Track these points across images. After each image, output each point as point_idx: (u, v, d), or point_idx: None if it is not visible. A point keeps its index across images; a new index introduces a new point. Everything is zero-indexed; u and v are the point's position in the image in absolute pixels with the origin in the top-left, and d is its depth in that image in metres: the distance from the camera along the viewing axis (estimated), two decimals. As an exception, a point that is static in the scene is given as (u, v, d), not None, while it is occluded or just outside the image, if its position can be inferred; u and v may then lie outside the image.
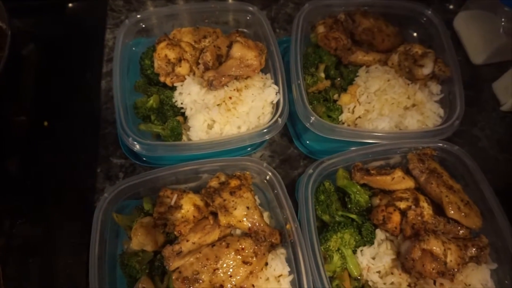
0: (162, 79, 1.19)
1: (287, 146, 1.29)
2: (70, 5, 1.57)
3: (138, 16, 1.24)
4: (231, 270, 0.90)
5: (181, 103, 1.17)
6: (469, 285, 0.94)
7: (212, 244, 0.95)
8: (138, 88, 1.22)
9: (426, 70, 1.16)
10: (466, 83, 1.28)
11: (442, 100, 1.20)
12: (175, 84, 1.19)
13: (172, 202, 1.00)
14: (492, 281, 0.96)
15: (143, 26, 1.30)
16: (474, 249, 0.96)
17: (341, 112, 1.19)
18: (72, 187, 1.21)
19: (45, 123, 1.32)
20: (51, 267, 1.10)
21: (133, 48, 1.30)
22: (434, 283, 0.93)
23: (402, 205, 0.98)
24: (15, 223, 1.15)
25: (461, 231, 0.99)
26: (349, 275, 0.97)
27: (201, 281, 0.89)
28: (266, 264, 0.95)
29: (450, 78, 1.20)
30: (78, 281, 1.06)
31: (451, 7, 1.56)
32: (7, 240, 1.14)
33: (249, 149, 1.26)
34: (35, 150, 1.26)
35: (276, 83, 1.17)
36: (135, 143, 1.05)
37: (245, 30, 1.32)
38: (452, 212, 0.97)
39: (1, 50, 1.18)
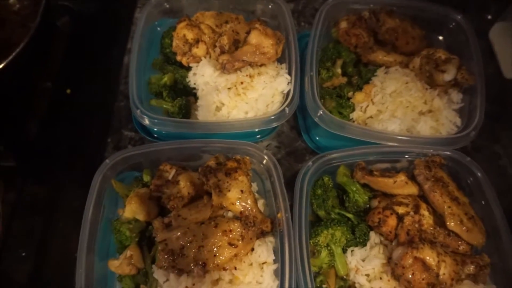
0: (178, 58, 1.21)
1: (295, 139, 1.28)
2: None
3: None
4: (215, 249, 0.90)
5: (194, 84, 1.19)
6: (462, 303, 0.88)
7: (201, 222, 0.95)
8: (156, 65, 1.26)
9: (448, 76, 1.11)
10: (494, 97, 1.22)
11: (461, 109, 1.14)
12: (190, 65, 1.21)
13: (170, 177, 1.02)
14: (488, 304, 0.91)
15: (169, 7, 1.33)
16: (472, 267, 0.91)
17: (353, 110, 1.17)
18: (82, 154, 1.26)
19: (68, 91, 1.38)
20: (52, 227, 1.15)
21: (158, 28, 1.34)
22: (423, 295, 0.88)
23: (401, 210, 0.95)
24: (26, 181, 1.21)
25: (461, 246, 0.94)
26: (336, 274, 0.95)
27: (185, 256, 0.90)
28: (253, 249, 0.95)
29: (473, 88, 1.14)
30: (74, 241, 1.10)
31: (489, 17, 1.48)
32: (16, 197, 1.20)
33: (258, 136, 1.25)
34: (54, 116, 1.32)
35: (290, 73, 1.16)
36: (144, 116, 1.08)
37: (267, 19, 1.31)
38: (453, 224, 0.92)
39: (37, 16, 1.25)
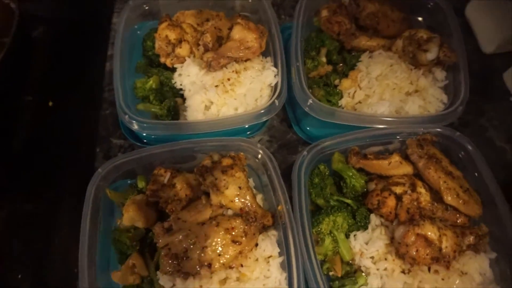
0: (162, 60, 1.19)
1: (286, 132, 1.28)
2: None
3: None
4: (220, 249, 0.90)
5: (180, 84, 1.17)
6: (466, 273, 0.90)
7: (202, 223, 0.94)
8: (139, 69, 1.23)
9: (431, 55, 1.13)
10: (476, 72, 1.24)
11: (446, 87, 1.16)
12: (175, 66, 1.19)
13: (166, 180, 1.01)
14: (491, 271, 0.93)
15: (148, 9, 1.31)
16: (472, 237, 0.93)
17: (341, 97, 1.17)
18: (72, 166, 1.23)
19: (50, 103, 1.34)
20: (48, 242, 1.12)
21: (138, 32, 1.32)
22: (429, 270, 0.90)
23: (398, 190, 0.96)
24: (15, 199, 1.18)
25: (459, 219, 0.96)
26: (341, 260, 0.95)
27: (189, 259, 0.89)
28: (257, 245, 0.94)
29: (456, 65, 1.16)
30: (72, 256, 1.07)
31: (464, -5, 1.51)
32: (7, 215, 1.16)
33: (248, 132, 1.24)
34: (38, 130, 1.28)
35: (276, 66, 1.16)
36: (132, 121, 1.06)
37: (248, 14, 1.31)
38: (450, 198, 0.94)
39: (10, 29, 1.21)
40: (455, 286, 0.88)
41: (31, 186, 1.19)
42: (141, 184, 1.05)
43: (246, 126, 1.20)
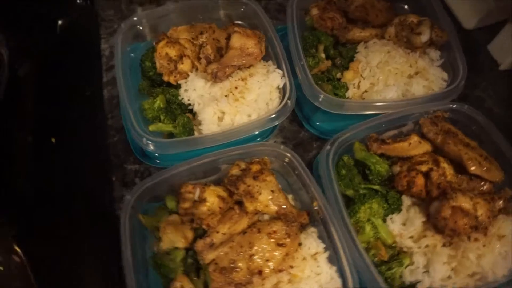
0: (165, 78, 1.18)
1: (298, 131, 1.29)
2: (60, 22, 1.55)
3: (135, 18, 1.24)
4: (267, 254, 0.89)
5: (188, 100, 1.16)
6: (503, 236, 0.94)
7: (243, 232, 0.94)
8: (143, 91, 1.22)
9: (424, 37, 1.18)
10: (462, 48, 1.31)
11: (443, 65, 1.22)
12: (179, 82, 1.18)
13: (196, 197, 0.99)
14: (523, 230, 0.97)
15: (140, 29, 1.29)
16: (501, 201, 0.98)
17: (347, 89, 1.20)
18: (90, 201, 1.19)
19: (53, 140, 1.30)
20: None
21: (131, 54, 1.30)
22: (469, 239, 0.93)
23: (424, 168, 0.99)
24: (30, 244, 1.12)
25: (484, 186, 1.01)
26: (383, 244, 0.97)
27: (238, 269, 0.88)
28: (300, 244, 0.95)
29: (448, 43, 1.22)
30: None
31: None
32: (22, 261, 1.11)
33: (258, 139, 1.25)
34: (46, 168, 1.23)
35: (280, 68, 1.17)
36: (149, 142, 1.04)
37: (240, 22, 1.32)
38: (474, 168, 0.99)
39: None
40: (497, 250, 0.92)
41: (49, 230, 1.14)
42: (171, 204, 1.02)
43: (257, 133, 1.20)
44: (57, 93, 1.35)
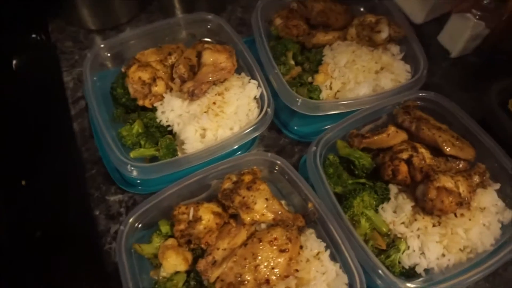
0: (140, 102, 1.16)
1: (278, 138, 1.32)
2: (14, 62, 1.49)
3: (102, 46, 1.21)
4: (271, 262, 0.90)
5: (167, 121, 1.15)
6: (484, 208, 1.01)
7: (244, 244, 0.94)
8: (118, 118, 1.19)
9: (384, 34, 1.25)
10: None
11: (404, 58, 1.30)
12: (154, 105, 1.17)
13: (190, 217, 0.98)
14: (500, 200, 1.05)
15: (103, 58, 1.26)
16: (476, 177, 1.05)
17: (320, 91, 1.24)
18: (74, 240, 1.13)
19: (23, 182, 1.23)
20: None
21: (98, 84, 1.26)
22: (455, 216, 0.99)
23: (404, 155, 1.04)
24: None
25: (460, 165, 1.08)
26: (379, 234, 1.00)
27: (246, 282, 0.88)
28: (301, 247, 0.96)
29: (405, 37, 1.30)
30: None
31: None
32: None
33: (239, 152, 1.25)
34: (20, 214, 1.17)
35: (254, 78, 1.20)
36: (133, 168, 1.02)
37: (207, 39, 1.33)
38: (449, 149, 1.05)
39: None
40: (481, 221, 0.98)
41: (36, 280, 1.07)
42: (165, 229, 1.00)
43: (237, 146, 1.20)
44: (20, 133, 1.29)
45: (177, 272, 0.95)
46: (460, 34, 1.47)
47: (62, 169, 1.24)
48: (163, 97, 1.17)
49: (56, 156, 1.26)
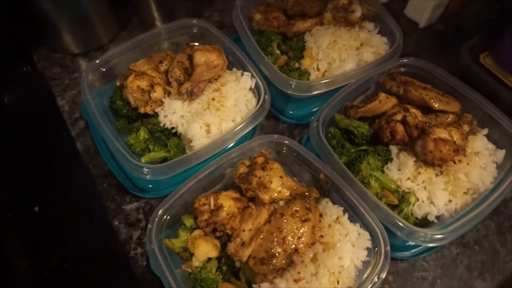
0: (142, 110, 1.20)
1: (276, 124, 1.38)
2: (5, 99, 1.50)
3: (98, 61, 1.25)
4: (297, 232, 0.94)
5: (170, 123, 1.19)
6: (478, 152, 1.10)
7: (268, 221, 0.98)
8: (122, 130, 1.22)
9: (358, 13, 1.34)
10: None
11: (380, 32, 1.39)
12: (156, 110, 1.21)
13: (212, 206, 1.02)
14: (491, 144, 1.14)
15: (97, 75, 1.30)
16: (466, 125, 1.13)
17: (309, 74, 1.32)
18: (99, 255, 1.15)
19: (36, 208, 1.24)
20: None
21: (95, 101, 1.29)
22: (454, 163, 1.07)
23: (398, 117, 1.12)
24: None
25: (449, 118, 1.16)
26: (390, 191, 1.07)
27: (277, 254, 0.92)
28: (321, 215, 1.01)
29: (378, 14, 1.40)
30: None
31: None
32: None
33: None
34: (41, 239, 1.17)
35: (246, 71, 1.26)
36: (148, 170, 1.05)
37: (194, 43, 1.39)
38: (437, 104, 1.14)
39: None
40: (478, 164, 1.07)
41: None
42: (189, 222, 1.04)
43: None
44: (25, 164, 1.30)
45: (209, 260, 0.99)
46: (424, 5, 1.58)
47: (72, 189, 1.25)
48: (162, 102, 1.22)
49: (64, 178, 1.27)
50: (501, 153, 1.12)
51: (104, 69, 1.32)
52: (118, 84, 1.27)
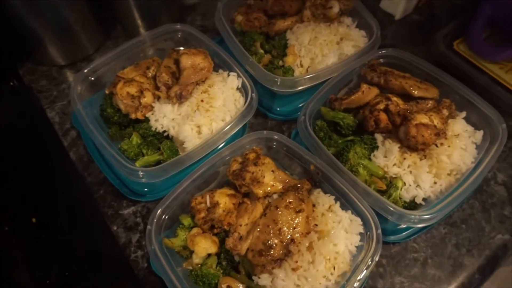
0: (133, 116, 1.23)
1: (265, 122, 1.42)
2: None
3: (85, 71, 1.27)
4: (292, 223, 0.98)
5: (162, 127, 1.22)
6: (458, 134, 1.15)
7: (264, 214, 1.02)
8: (114, 136, 1.24)
9: (336, 9, 1.39)
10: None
11: (358, 26, 1.44)
12: (146, 115, 1.24)
13: (208, 203, 1.05)
14: (469, 126, 1.19)
15: (84, 85, 1.31)
16: (445, 110, 1.19)
17: (293, 70, 1.36)
18: (101, 260, 1.17)
19: (33, 220, 1.25)
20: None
21: (87, 110, 1.31)
22: (436, 146, 1.12)
23: (381, 106, 1.17)
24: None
25: (429, 104, 1.22)
26: (378, 178, 1.12)
27: (274, 245, 0.96)
28: (314, 205, 1.05)
29: (355, 8, 1.45)
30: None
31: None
32: None
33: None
34: (38, 249, 1.19)
35: (232, 71, 1.29)
36: (143, 173, 1.08)
37: (180, 48, 1.42)
38: (416, 92, 1.19)
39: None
40: (458, 146, 1.12)
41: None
42: (186, 221, 1.07)
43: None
44: (19, 177, 1.31)
45: (208, 256, 1.02)
46: (398, -2, 1.64)
47: (69, 198, 1.27)
48: (153, 107, 1.24)
49: (60, 188, 1.29)
50: (479, 134, 1.17)
51: (92, 79, 1.33)
52: (107, 92, 1.29)
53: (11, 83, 1.55)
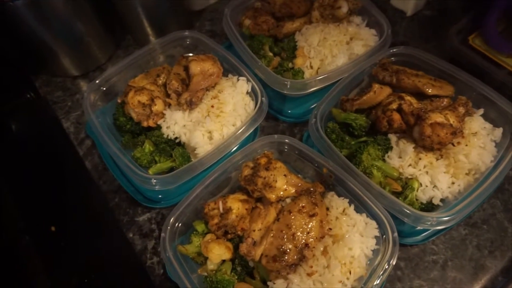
0: (145, 124, 1.24)
1: (276, 125, 1.41)
2: (13, 127, 1.55)
3: (98, 81, 1.29)
4: (305, 228, 0.97)
5: (173, 134, 1.23)
6: (476, 132, 1.11)
7: (277, 219, 1.01)
8: (127, 144, 1.26)
9: (344, 8, 1.37)
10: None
11: (368, 25, 1.42)
12: (158, 123, 1.25)
13: (221, 209, 1.05)
14: (487, 123, 1.15)
15: (97, 95, 1.33)
16: (461, 107, 1.15)
17: (303, 72, 1.35)
18: (118, 267, 1.19)
19: (52, 228, 1.28)
20: None
21: (99, 119, 1.33)
22: (453, 145, 1.09)
23: (394, 105, 1.14)
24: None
25: (444, 102, 1.18)
26: (393, 179, 1.10)
27: (288, 250, 0.95)
28: (327, 209, 1.04)
29: (364, 7, 1.43)
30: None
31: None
32: None
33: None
34: (59, 258, 1.21)
35: (241, 76, 1.29)
36: (156, 181, 1.09)
37: (189, 54, 1.42)
38: (430, 90, 1.16)
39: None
40: (477, 144, 1.08)
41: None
42: (200, 227, 1.07)
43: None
44: (38, 186, 1.35)
45: (223, 262, 1.02)
46: (409, -7, 1.61)
47: (85, 206, 1.29)
48: (164, 114, 1.25)
49: (77, 197, 1.32)
50: (498, 132, 1.13)
51: (104, 88, 1.35)
52: (119, 101, 1.30)
53: (28, 96, 1.59)
